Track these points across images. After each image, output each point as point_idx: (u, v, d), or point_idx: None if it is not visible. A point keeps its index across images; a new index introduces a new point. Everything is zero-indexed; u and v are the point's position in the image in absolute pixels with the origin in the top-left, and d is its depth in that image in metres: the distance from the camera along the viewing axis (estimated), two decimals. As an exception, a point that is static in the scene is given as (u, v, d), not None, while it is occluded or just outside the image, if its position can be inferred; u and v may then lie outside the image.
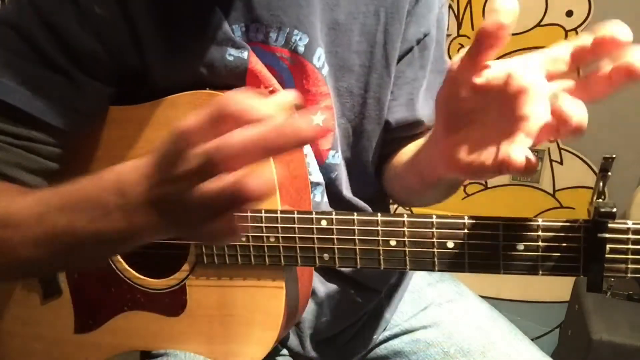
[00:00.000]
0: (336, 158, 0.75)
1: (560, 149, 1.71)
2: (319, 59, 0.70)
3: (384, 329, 0.82)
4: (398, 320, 0.83)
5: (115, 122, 0.71)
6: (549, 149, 1.71)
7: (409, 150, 0.77)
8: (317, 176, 0.74)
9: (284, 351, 0.78)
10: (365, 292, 0.79)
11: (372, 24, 0.71)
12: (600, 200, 0.46)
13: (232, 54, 0.67)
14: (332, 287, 0.78)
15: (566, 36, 1.63)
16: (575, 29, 1.62)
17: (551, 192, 1.74)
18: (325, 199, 0.75)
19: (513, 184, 1.77)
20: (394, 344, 0.81)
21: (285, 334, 0.72)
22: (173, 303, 0.72)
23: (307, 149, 0.73)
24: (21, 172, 0.64)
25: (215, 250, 0.67)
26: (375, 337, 0.81)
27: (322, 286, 0.77)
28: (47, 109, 0.63)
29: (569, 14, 1.61)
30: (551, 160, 1.72)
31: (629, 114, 1.65)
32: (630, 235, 0.47)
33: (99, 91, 0.67)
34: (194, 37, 0.66)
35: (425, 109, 0.78)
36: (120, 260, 0.73)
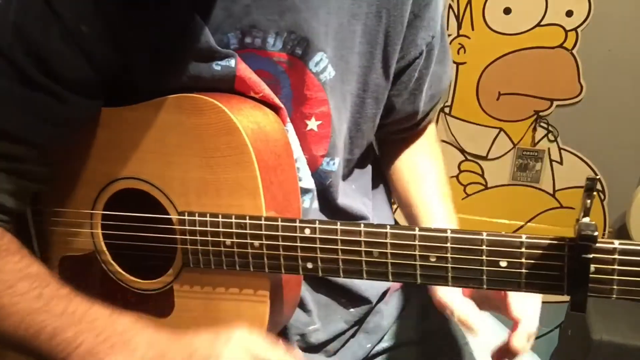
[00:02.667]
0: (331, 165, 0.73)
1: (560, 149, 1.68)
2: (318, 64, 0.68)
3: (381, 339, 0.80)
4: (394, 331, 0.80)
5: (102, 123, 0.69)
6: (548, 149, 1.68)
7: (409, 180, 0.81)
8: (307, 182, 0.72)
9: None
10: (356, 301, 0.77)
11: (373, 25, 0.69)
12: (585, 220, 0.43)
13: (219, 63, 0.65)
14: (322, 295, 0.76)
15: (566, 36, 1.59)
16: (575, 29, 1.59)
17: (551, 192, 1.72)
18: (315, 205, 0.73)
19: (513, 184, 1.74)
20: (393, 355, 0.79)
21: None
22: (161, 304, 0.71)
23: (299, 154, 0.70)
24: (4, 196, 0.63)
25: (201, 254, 0.65)
26: (369, 345, 0.79)
27: (311, 295, 0.75)
28: (26, 126, 0.62)
29: (569, 14, 1.59)
30: (551, 160, 1.69)
31: (629, 114, 1.62)
32: (616, 256, 0.44)
33: (85, 106, 0.66)
34: (180, 52, 0.64)
35: (423, 100, 0.78)
36: (112, 261, 0.72)
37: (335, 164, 0.73)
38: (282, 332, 0.74)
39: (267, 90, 0.67)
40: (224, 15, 0.64)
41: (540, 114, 1.66)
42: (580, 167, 1.68)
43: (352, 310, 0.77)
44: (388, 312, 0.80)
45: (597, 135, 1.63)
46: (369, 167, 0.83)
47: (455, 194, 1.86)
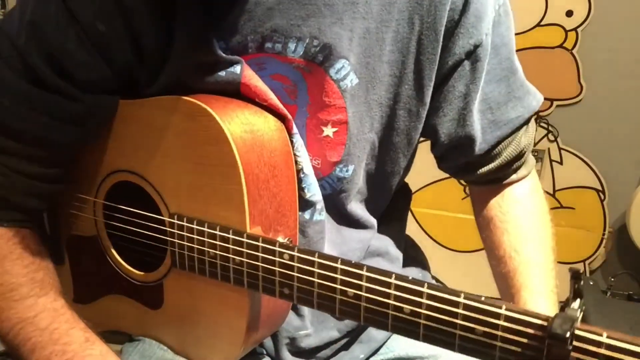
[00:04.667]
0: (344, 172, 0.65)
1: (560, 149, 1.58)
2: (339, 72, 0.60)
3: (376, 351, 0.73)
4: (394, 346, 0.73)
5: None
6: (548, 149, 1.58)
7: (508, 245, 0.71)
8: (313, 194, 0.63)
9: (267, 358, 0.71)
10: None
11: (405, 32, 0.61)
12: (569, 311, 0.35)
13: (223, 69, 0.58)
14: None
15: (566, 36, 1.47)
16: (575, 29, 1.47)
17: (551, 192, 1.62)
18: (319, 217, 0.65)
19: (513, 183, 1.64)
20: None
21: (253, 347, 0.65)
22: (152, 297, 0.67)
23: (306, 164, 0.63)
24: (22, 196, 0.60)
25: (187, 259, 0.60)
26: (362, 356, 0.72)
27: None
28: (46, 127, 0.58)
29: (569, 14, 1.47)
30: (551, 160, 1.59)
31: (629, 114, 1.51)
32: (603, 351, 0.36)
33: (104, 104, 0.60)
34: (185, 55, 0.58)
35: (478, 124, 0.67)
36: (111, 247, 0.68)
37: (349, 171, 0.65)
38: (272, 335, 0.68)
39: (273, 100, 0.60)
40: (245, 18, 0.57)
41: (540, 114, 1.55)
42: (580, 167, 1.58)
43: (344, 319, 0.68)
44: None
45: (597, 135, 1.53)
46: (388, 197, 0.73)
47: (455, 194, 1.76)
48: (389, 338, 0.74)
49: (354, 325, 0.70)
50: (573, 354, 0.35)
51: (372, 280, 0.45)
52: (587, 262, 1.62)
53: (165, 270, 0.64)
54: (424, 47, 0.61)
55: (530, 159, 0.74)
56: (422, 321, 0.43)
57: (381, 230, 0.73)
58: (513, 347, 0.39)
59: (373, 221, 0.71)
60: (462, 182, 1.61)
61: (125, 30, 0.56)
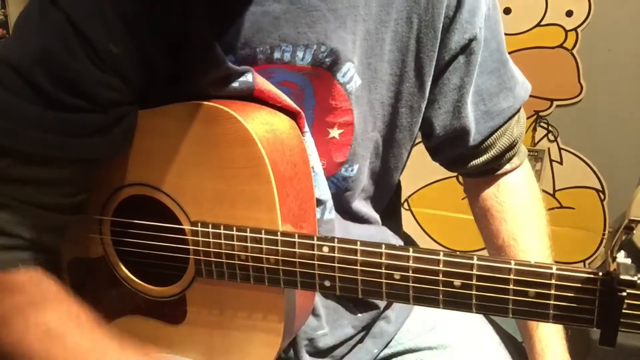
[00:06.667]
0: (349, 171, 0.69)
1: (560, 149, 1.64)
2: (345, 75, 0.64)
3: (387, 345, 0.77)
4: (403, 338, 0.77)
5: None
6: (548, 149, 1.64)
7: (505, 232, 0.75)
8: (322, 193, 0.68)
9: None
10: (364, 306, 0.74)
11: (404, 32, 0.65)
12: (623, 258, 0.40)
13: (236, 81, 0.61)
14: (330, 300, 0.73)
15: (566, 36, 1.55)
16: (575, 29, 1.54)
17: (551, 192, 1.68)
18: (329, 216, 0.69)
19: (513, 184, 1.70)
20: None
21: (284, 348, 0.67)
22: (173, 312, 0.68)
23: (316, 163, 0.66)
24: (41, 233, 0.59)
25: (214, 266, 0.62)
26: (376, 351, 0.76)
27: (321, 300, 0.72)
28: (59, 145, 0.58)
29: (569, 14, 1.54)
30: (551, 160, 1.65)
31: (629, 115, 1.58)
32: (652, 293, 0.41)
33: (125, 111, 0.61)
34: (199, 76, 0.61)
35: (471, 115, 0.71)
36: (122, 266, 0.69)
37: (354, 170, 0.69)
38: (291, 338, 0.71)
39: (286, 100, 0.64)
40: (252, 30, 0.60)
41: (540, 114, 1.61)
42: (580, 167, 1.64)
43: (359, 315, 0.74)
44: (394, 318, 0.77)
45: (597, 135, 1.59)
46: (390, 193, 0.78)
47: (455, 194, 1.80)
48: (398, 331, 0.78)
49: (367, 320, 0.75)
50: (627, 300, 0.40)
51: (420, 259, 0.49)
52: (587, 262, 1.67)
53: (188, 281, 0.66)
54: (423, 45, 0.65)
55: (522, 148, 0.79)
56: (474, 292, 0.47)
57: (382, 224, 0.77)
58: (566, 304, 0.43)
59: (377, 217, 0.76)
60: (462, 182, 1.65)
61: (137, 53, 0.58)
